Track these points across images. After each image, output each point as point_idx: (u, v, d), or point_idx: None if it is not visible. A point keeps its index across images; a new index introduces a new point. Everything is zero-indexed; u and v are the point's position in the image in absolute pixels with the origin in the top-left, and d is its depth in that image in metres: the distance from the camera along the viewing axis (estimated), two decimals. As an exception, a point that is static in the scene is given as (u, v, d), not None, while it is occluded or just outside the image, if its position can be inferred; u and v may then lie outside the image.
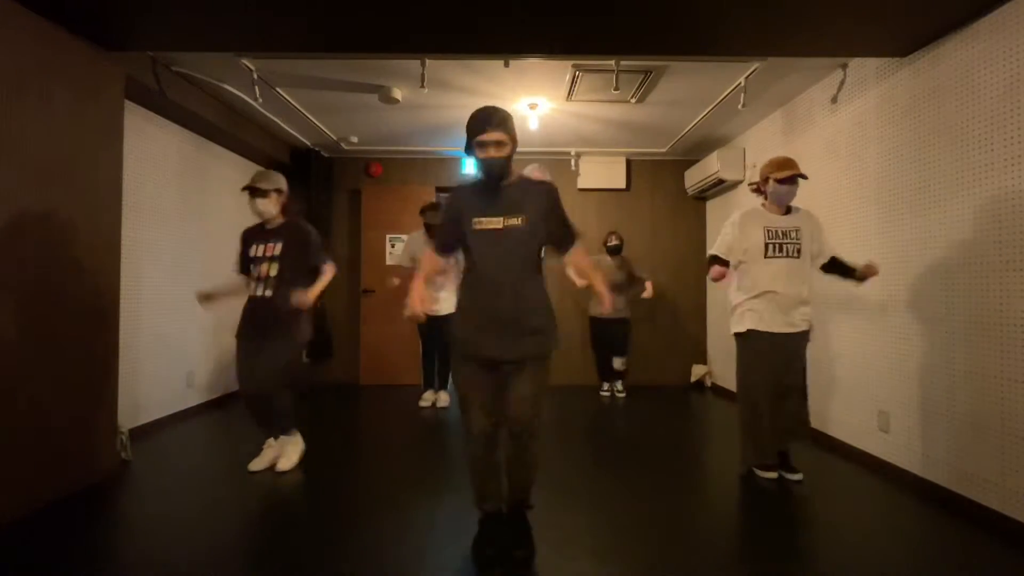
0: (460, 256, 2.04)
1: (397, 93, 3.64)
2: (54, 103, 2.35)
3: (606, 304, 1.98)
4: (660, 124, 4.39)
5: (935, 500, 2.41)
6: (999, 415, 2.15)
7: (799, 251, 2.58)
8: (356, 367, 5.31)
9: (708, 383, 5.28)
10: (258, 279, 2.73)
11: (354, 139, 4.83)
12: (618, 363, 4.75)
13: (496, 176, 1.85)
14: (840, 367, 3.15)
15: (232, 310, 2.88)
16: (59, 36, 2.38)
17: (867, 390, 2.92)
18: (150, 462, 2.91)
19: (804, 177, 2.57)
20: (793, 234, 2.58)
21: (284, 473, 2.75)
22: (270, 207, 2.73)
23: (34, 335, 2.26)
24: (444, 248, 2.02)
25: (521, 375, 1.82)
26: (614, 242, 4.69)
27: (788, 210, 2.65)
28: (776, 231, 2.58)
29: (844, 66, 3.07)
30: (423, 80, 3.22)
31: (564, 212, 1.95)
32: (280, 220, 2.80)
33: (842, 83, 3.10)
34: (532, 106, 3.94)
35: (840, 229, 3.11)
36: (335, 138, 4.79)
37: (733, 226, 2.64)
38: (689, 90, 3.64)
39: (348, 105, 3.97)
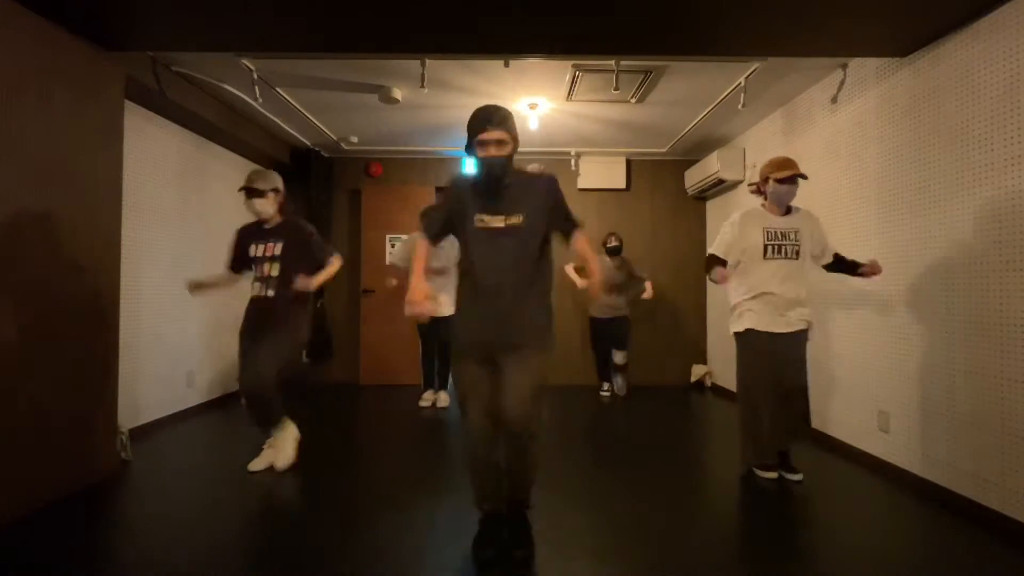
0: (455, 252, 2.04)
1: (397, 93, 3.64)
2: (54, 103, 2.35)
3: (595, 290, 1.97)
4: (660, 124, 4.39)
5: (935, 500, 2.41)
6: (999, 415, 2.15)
7: (798, 253, 2.58)
8: (356, 367, 5.31)
9: (708, 383, 5.28)
10: (260, 279, 2.74)
11: (354, 139, 4.83)
12: (619, 357, 4.74)
13: (497, 176, 1.84)
14: (840, 367, 3.15)
15: (232, 310, 2.89)
16: (59, 36, 2.38)
17: (867, 390, 2.92)
18: (150, 462, 2.91)
19: (804, 177, 2.57)
20: (792, 235, 2.58)
21: (284, 470, 2.74)
22: (268, 207, 2.74)
23: (34, 335, 2.26)
24: (436, 234, 1.98)
25: (518, 369, 1.81)
26: (614, 243, 4.69)
27: (788, 210, 2.65)
28: (775, 232, 2.58)
29: (844, 66, 3.07)
30: (423, 80, 3.22)
31: (565, 203, 1.95)
32: (278, 219, 2.80)
33: (842, 83, 3.10)
34: (532, 106, 3.94)
35: (840, 229, 3.11)
36: (335, 138, 4.79)
37: (732, 226, 2.64)
38: (689, 90, 3.64)
39: (348, 105, 3.97)
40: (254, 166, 4.70)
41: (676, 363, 5.38)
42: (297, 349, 2.82)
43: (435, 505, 2.33)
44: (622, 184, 5.37)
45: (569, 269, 4.70)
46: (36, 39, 2.27)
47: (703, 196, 5.34)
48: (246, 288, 2.85)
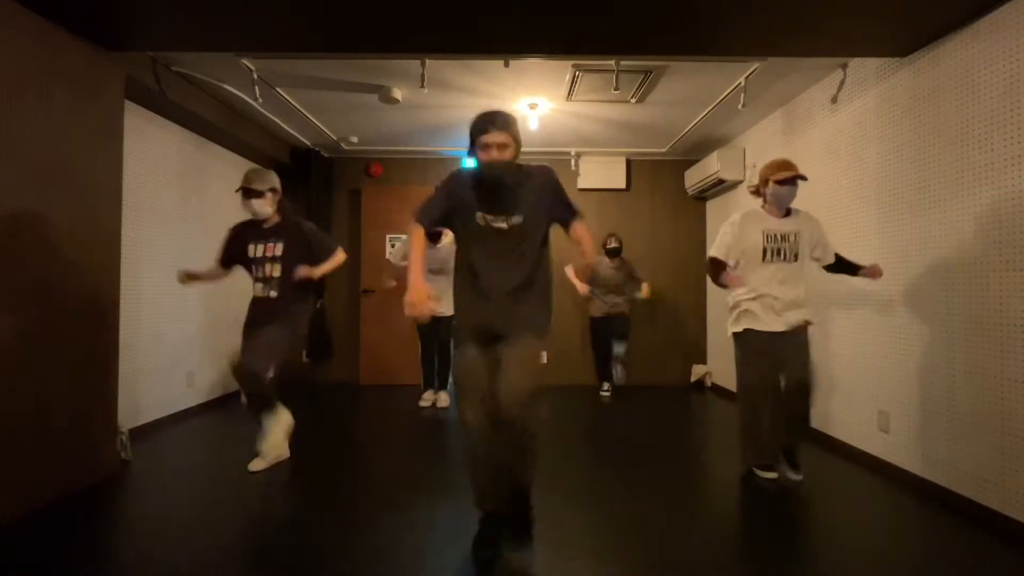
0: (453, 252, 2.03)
1: (397, 93, 3.64)
2: (54, 103, 2.35)
3: (580, 277, 1.97)
4: (660, 124, 4.39)
5: (935, 500, 2.41)
6: (999, 415, 2.15)
7: (796, 255, 2.58)
8: (356, 367, 5.31)
9: (708, 383, 5.28)
10: (261, 279, 2.74)
11: (354, 139, 4.83)
12: (618, 348, 4.73)
13: (499, 179, 1.83)
14: (840, 367, 3.15)
15: (232, 310, 2.89)
16: (59, 36, 2.37)
17: (867, 390, 2.92)
18: (150, 462, 2.91)
19: (803, 179, 2.57)
20: (791, 238, 2.58)
21: (268, 457, 2.74)
22: (266, 207, 2.74)
23: (34, 335, 2.26)
24: (433, 221, 1.93)
25: (515, 356, 1.82)
26: (613, 244, 4.68)
27: (787, 212, 2.64)
28: (775, 235, 2.58)
29: (844, 66, 3.07)
30: (423, 80, 3.22)
31: (564, 194, 1.95)
32: (277, 219, 2.79)
33: (842, 83, 3.10)
34: (532, 106, 3.94)
35: (840, 229, 3.11)
36: (335, 138, 4.79)
37: (732, 226, 2.64)
38: (689, 90, 3.64)
39: (348, 105, 3.97)
40: (254, 166, 4.70)
41: (676, 363, 5.37)
42: (296, 344, 2.82)
43: (435, 505, 2.33)
44: (622, 184, 5.37)
45: (569, 270, 4.70)
46: (36, 39, 2.26)
47: (703, 196, 5.34)
48: (246, 288, 2.85)
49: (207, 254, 4.05)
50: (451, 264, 2.13)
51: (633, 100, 3.78)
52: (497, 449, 1.87)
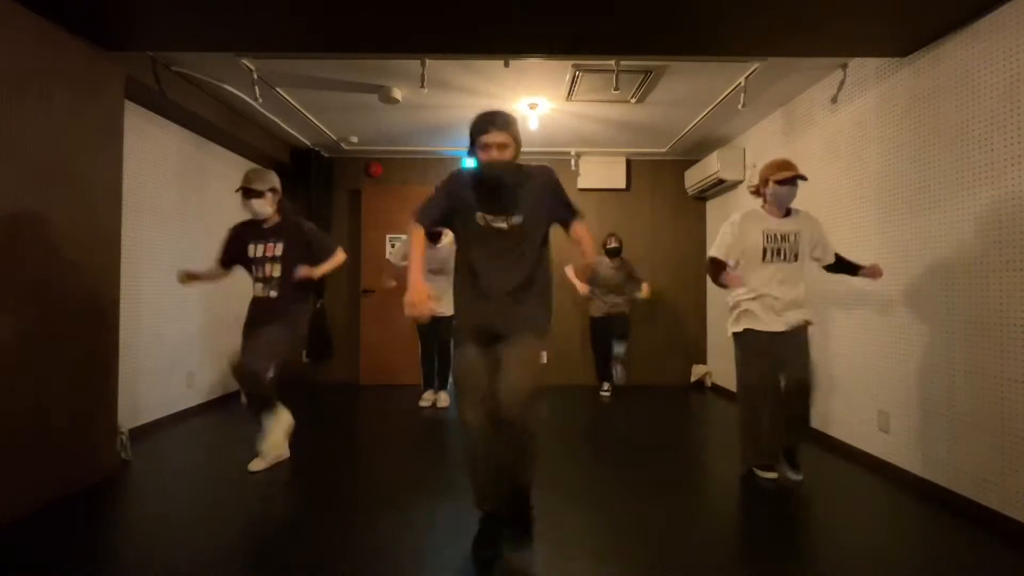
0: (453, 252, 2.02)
1: (397, 93, 3.64)
2: (54, 103, 2.35)
3: (580, 277, 1.98)
4: (660, 124, 4.39)
5: (935, 500, 2.41)
6: (999, 415, 2.15)
7: (796, 255, 2.58)
8: (356, 367, 5.31)
9: (708, 383, 5.28)
10: (262, 280, 2.74)
11: (354, 139, 4.83)
12: (618, 348, 4.73)
13: (499, 180, 1.83)
14: (840, 367, 3.15)
15: (232, 310, 2.89)
16: (59, 36, 2.37)
17: (867, 390, 2.92)
18: (150, 462, 2.91)
19: (803, 179, 2.57)
20: (791, 238, 2.58)
21: (267, 456, 2.74)
22: (266, 207, 2.73)
23: (34, 335, 2.26)
24: (434, 220, 1.93)
25: (515, 354, 1.82)
26: (613, 244, 4.68)
27: (787, 212, 2.64)
28: (775, 235, 2.57)
29: (844, 66, 3.07)
30: (423, 80, 3.22)
31: (564, 194, 1.95)
32: (277, 219, 2.79)
33: (842, 83, 3.10)
34: (532, 106, 3.94)
35: (840, 229, 3.11)
36: (335, 138, 4.79)
37: (732, 226, 2.63)
38: (689, 90, 3.64)
39: (348, 105, 3.97)
40: (254, 166, 4.70)
41: (676, 363, 5.37)
42: (296, 344, 2.82)
43: (435, 505, 2.33)
44: (622, 184, 5.37)
45: (569, 271, 4.70)
46: (36, 39, 2.27)
47: (703, 196, 5.34)
48: (246, 288, 2.85)
49: (207, 254, 4.05)
50: (451, 264, 2.13)
51: (633, 100, 3.78)
52: (497, 449, 1.87)
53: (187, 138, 3.90)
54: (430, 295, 1.79)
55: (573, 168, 5.32)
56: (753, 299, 2.59)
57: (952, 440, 2.38)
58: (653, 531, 2.11)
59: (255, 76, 3.29)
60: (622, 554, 1.92)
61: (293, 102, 3.90)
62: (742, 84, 3.38)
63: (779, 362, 2.58)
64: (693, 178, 5.11)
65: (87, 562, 1.86)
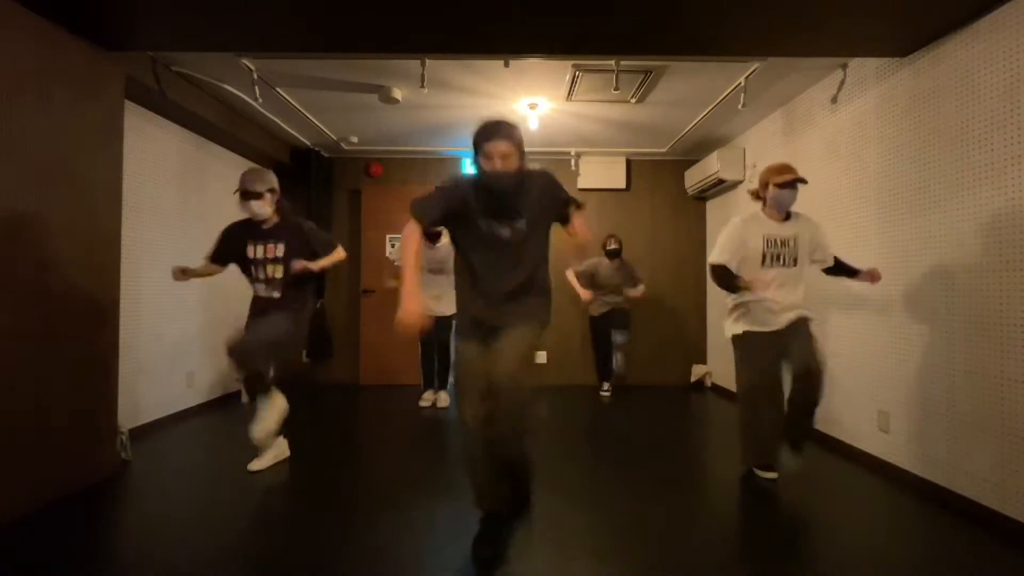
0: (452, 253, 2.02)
1: (397, 93, 3.64)
2: (54, 103, 2.35)
3: (575, 254, 1.97)
4: (660, 124, 4.38)
5: (935, 500, 2.41)
6: (999, 415, 2.15)
7: (795, 260, 2.56)
8: (356, 367, 5.31)
9: (708, 383, 5.28)
10: (264, 281, 2.74)
11: (354, 139, 4.83)
12: (619, 337, 4.73)
13: (503, 190, 1.82)
14: (840, 367, 3.15)
15: (232, 311, 2.89)
16: (59, 36, 2.37)
17: (867, 390, 2.92)
18: (150, 462, 2.91)
19: (804, 182, 2.54)
20: (791, 243, 2.56)
21: (279, 460, 2.77)
22: (266, 208, 2.72)
23: (34, 335, 2.26)
24: (433, 220, 1.85)
25: (511, 336, 1.82)
26: (613, 246, 4.68)
27: (787, 216, 2.62)
28: (775, 240, 2.56)
29: (844, 66, 3.07)
30: (423, 80, 3.22)
31: (562, 190, 1.94)
32: (276, 219, 2.78)
33: (842, 83, 3.10)
34: (532, 106, 3.94)
35: (840, 229, 3.11)
36: (335, 138, 4.79)
37: (733, 231, 2.60)
38: (689, 90, 3.64)
39: (348, 105, 3.97)
40: (255, 166, 4.69)
41: (676, 363, 5.37)
42: (297, 335, 2.80)
43: (435, 505, 2.33)
44: (622, 184, 5.37)
45: (570, 274, 4.71)
46: (36, 39, 2.26)
47: (703, 196, 5.34)
48: (246, 288, 2.85)
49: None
50: (450, 263, 2.13)
51: (633, 100, 3.78)
52: (496, 449, 1.87)
53: (187, 138, 3.90)
54: (424, 313, 1.69)
55: (573, 168, 5.32)
56: (751, 303, 2.59)
57: (952, 440, 2.38)
58: (653, 531, 2.11)
59: (255, 76, 3.29)
60: (622, 554, 1.92)
61: (293, 102, 3.90)
62: (742, 84, 3.38)
63: (782, 354, 2.55)
64: (693, 178, 5.11)
65: (87, 562, 1.86)
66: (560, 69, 3.33)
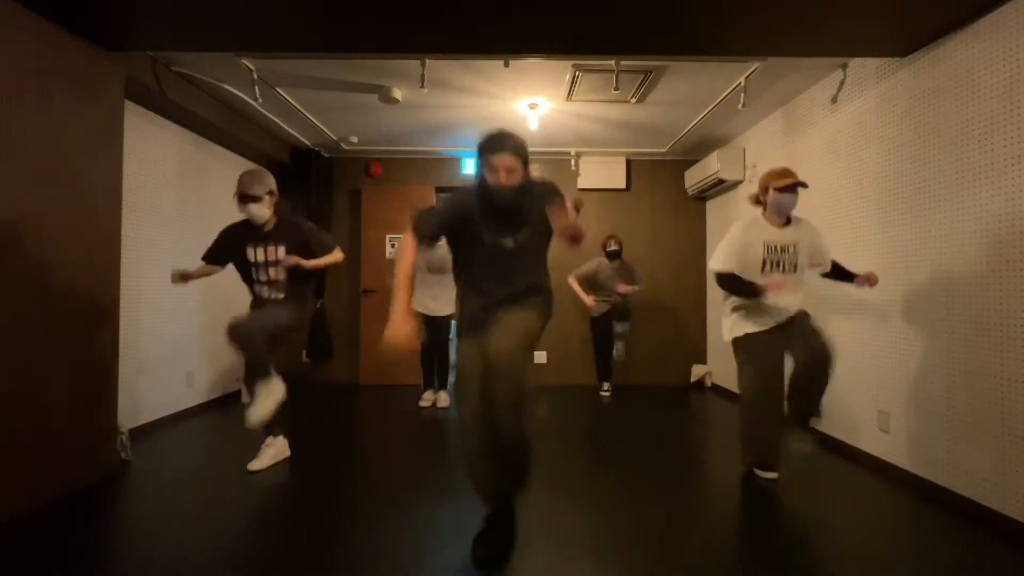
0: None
1: (397, 93, 3.64)
2: (54, 103, 2.35)
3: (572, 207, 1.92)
4: (660, 124, 4.38)
5: (935, 500, 2.41)
6: (999, 415, 2.15)
7: (795, 266, 2.56)
8: (356, 367, 5.31)
9: (708, 383, 5.28)
10: (266, 283, 2.74)
11: (354, 139, 4.83)
12: (620, 327, 4.75)
13: (507, 205, 1.81)
14: (840, 367, 3.13)
15: (232, 311, 2.89)
16: (59, 36, 2.37)
17: (867, 390, 2.92)
18: (150, 462, 2.91)
19: (804, 185, 2.53)
20: (791, 249, 2.55)
21: (279, 460, 2.78)
22: (264, 211, 2.70)
23: (34, 335, 2.26)
24: (431, 236, 1.87)
25: (505, 318, 1.81)
26: (613, 247, 4.68)
27: (788, 221, 2.61)
28: (775, 247, 2.55)
29: (844, 66, 3.07)
30: (423, 80, 3.22)
31: (559, 196, 1.92)
32: (275, 221, 2.77)
33: (842, 83, 3.10)
34: (532, 106, 3.94)
35: (840, 229, 3.11)
36: (335, 138, 4.79)
37: (735, 236, 2.58)
38: (689, 90, 3.64)
39: (348, 105, 3.97)
40: (254, 166, 4.70)
41: (676, 363, 5.37)
42: (298, 325, 2.79)
43: (435, 505, 2.33)
44: (622, 184, 5.36)
45: (573, 282, 4.71)
46: (36, 39, 2.26)
47: (703, 196, 5.34)
48: (245, 290, 2.84)
49: (207, 254, 4.06)
50: (450, 263, 2.12)
51: (633, 100, 3.78)
52: (496, 431, 1.84)
53: (187, 138, 3.90)
54: (411, 336, 1.70)
55: (573, 168, 5.32)
56: (750, 306, 2.58)
57: (952, 440, 2.38)
58: (653, 531, 2.11)
59: (255, 76, 3.29)
60: (622, 554, 1.92)
61: (293, 102, 3.90)
62: (742, 84, 3.38)
63: (786, 348, 2.54)
64: (693, 178, 5.11)
65: (87, 562, 1.86)
66: (560, 69, 3.33)
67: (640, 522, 2.19)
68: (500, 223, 1.85)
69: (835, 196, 3.21)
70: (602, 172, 5.33)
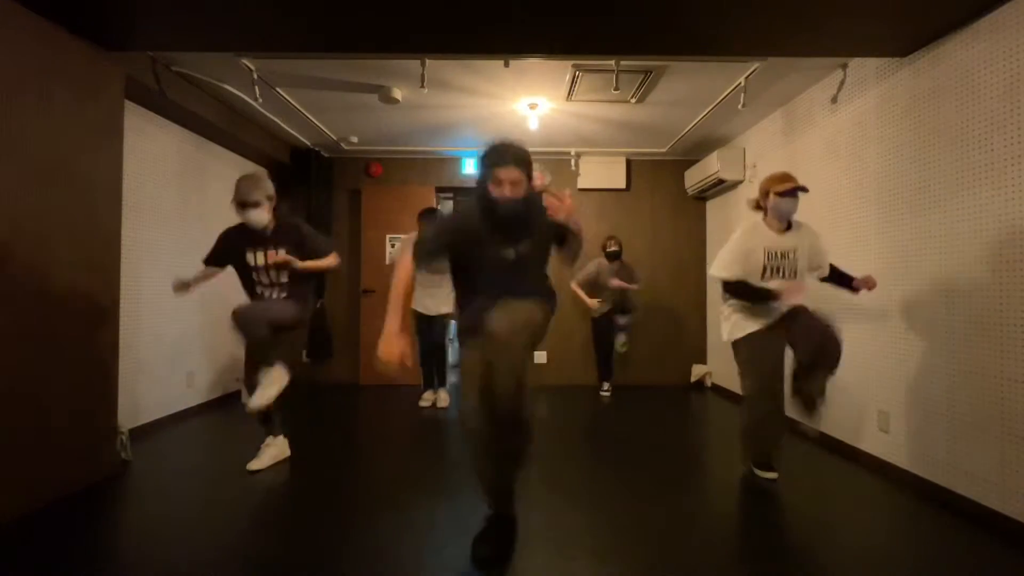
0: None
1: (397, 93, 3.64)
2: (54, 103, 2.35)
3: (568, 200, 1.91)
4: (660, 124, 4.38)
5: (935, 500, 2.41)
6: (999, 415, 2.15)
7: (795, 272, 2.55)
8: (356, 367, 5.31)
9: (708, 383, 5.28)
10: (269, 286, 2.74)
11: (354, 139, 4.83)
12: (623, 319, 4.76)
13: (510, 219, 1.80)
14: (840, 367, 3.14)
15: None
16: (59, 36, 2.37)
17: (867, 390, 2.92)
18: (150, 462, 2.91)
19: (804, 190, 2.52)
20: (791, 255, 2.55)
21: (279, 460, 2.80)
22: (264, 216, 2.68)
23: (34, 335, 2.26)
24: (430, 263, 1.89)
25: (507, 304, 1.75)
26: (613, 248, 4.68)
27: (788, 226, 2.59)
28: (775, 253, 2.54)
29: (844, 66, 3.07)
30: (423, 80, 3.22)
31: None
32: (274, 223, 2.77)
33: (842, 83, 3.10)
34: (532, 106, 3.94)
35: (840, 229, 3.11)
36: (335, 138, 4.79)
37: (738, 241, 2.58)
38: (689, 90, 3.64)
39: (348, 105, 3.97)
40: (254, 166, 4.70)
41: (676, 363, 5.37)
42: (301, 319, 2.79)
43: (435, 505, 2.33)
44: (622, 184, 5.37)
45: (576, 288, 4.71)
46: (36, 39, 2.26)
47: (703, 196, 5.34)
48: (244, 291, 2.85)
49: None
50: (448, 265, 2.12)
51: (633, 100, 3.78)
52: (498, 447, 1.85)
53: (187, 138, 3.90)
54: (404, 354, 1.74)
55: (573, 168, 5.32)
56: (749, 309, 2.58)
57: (952, 440, 2.38)
58: (653, 531, 2.11)
59: (255, 76, 3.29)
60: (622, 554, 1.92)
61: (293, 102, 3.90)
62: (742, 84, 3.38)
63: (787, 342, 2.54)
64: (693, 178, 5.11)
65: (87, 562, 1.86)
66: (560, 69, 3.33)
67: (640, 522, 2.19)
68: (503, 234, 1.85)
69: (835, 196, 3.21)
70: (602, 172, 5.33)
